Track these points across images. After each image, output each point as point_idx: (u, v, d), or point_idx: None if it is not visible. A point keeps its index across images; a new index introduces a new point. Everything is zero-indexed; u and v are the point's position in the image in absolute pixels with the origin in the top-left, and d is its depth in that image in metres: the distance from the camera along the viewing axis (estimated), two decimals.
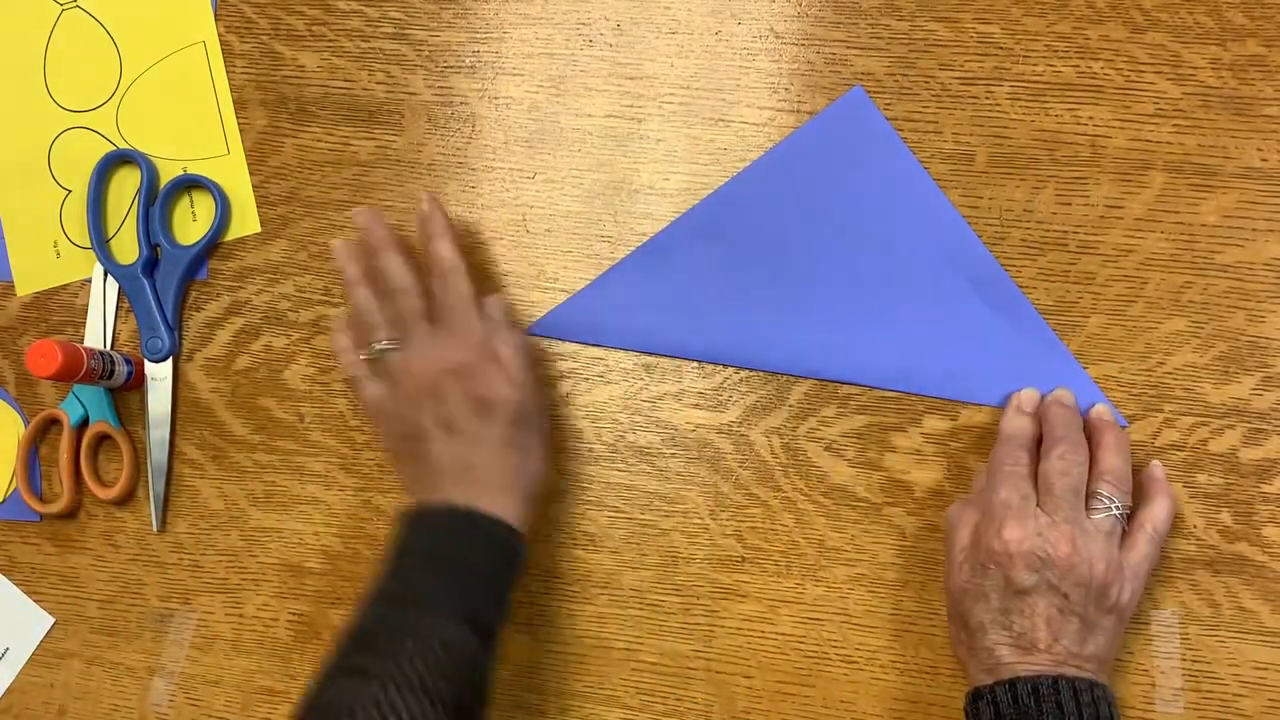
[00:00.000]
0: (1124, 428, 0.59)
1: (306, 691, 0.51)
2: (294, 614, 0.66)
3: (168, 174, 0.68)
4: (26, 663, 0.68)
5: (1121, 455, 0.56)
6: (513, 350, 0.58)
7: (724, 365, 0.63)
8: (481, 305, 0.59)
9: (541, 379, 0.63)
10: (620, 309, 0.64)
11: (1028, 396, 0.58)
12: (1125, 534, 0.54)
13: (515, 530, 0.55)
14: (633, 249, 0.64)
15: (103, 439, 0.68)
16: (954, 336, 0.60)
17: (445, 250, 0.59)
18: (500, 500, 0.55)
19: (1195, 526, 0.58)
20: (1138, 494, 0.57)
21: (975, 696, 0.52)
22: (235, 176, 0.68)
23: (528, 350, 0.60)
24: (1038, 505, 0.54)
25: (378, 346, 0.59)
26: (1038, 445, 0.57)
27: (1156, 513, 0.56)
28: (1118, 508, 0.54)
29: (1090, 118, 0.60)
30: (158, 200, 0.68)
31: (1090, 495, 0.54)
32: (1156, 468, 0.58)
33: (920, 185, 0.61)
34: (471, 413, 0.56)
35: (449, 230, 0.60)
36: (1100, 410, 0.58)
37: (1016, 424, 0.57)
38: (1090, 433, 0.57)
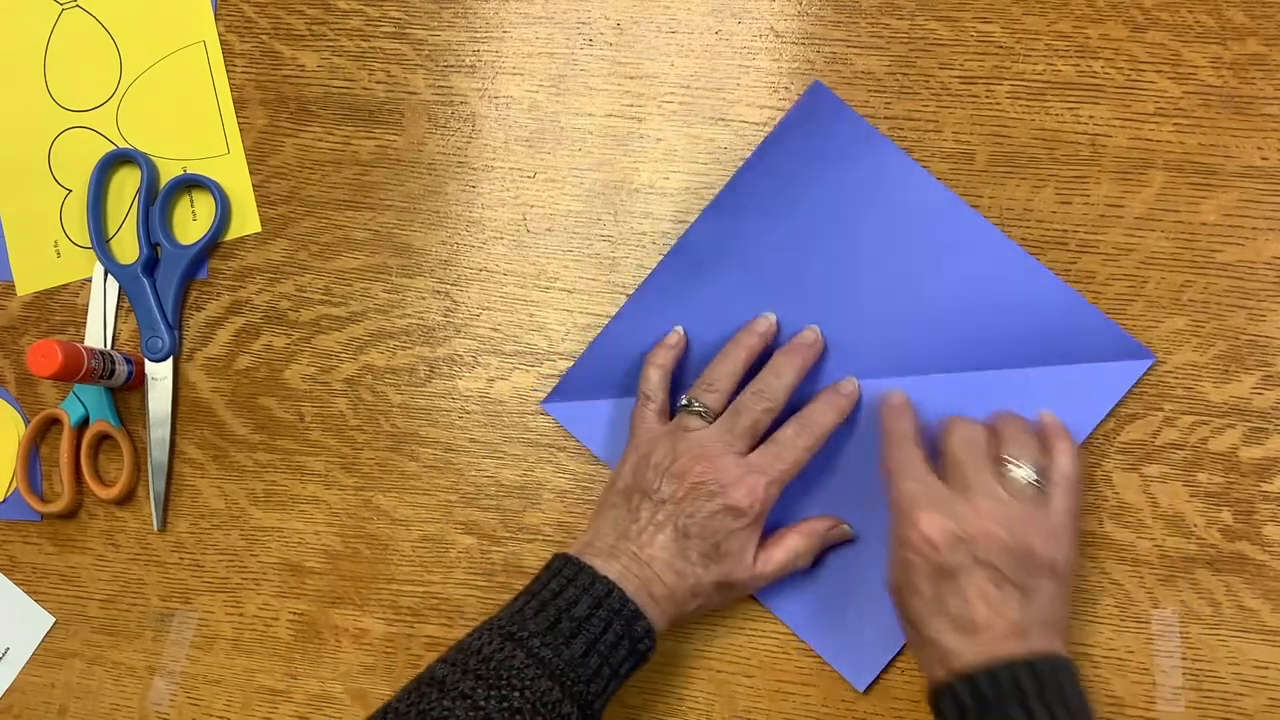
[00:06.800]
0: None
1: (399, 695, 0.52)
2: (294, 613, 0.66)
3: (168, 174, 0.69)
4: (27, 662, 0.68)
5: (1015, 418, 0.56)
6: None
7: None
8: None
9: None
10: (618, 364, 0.63)
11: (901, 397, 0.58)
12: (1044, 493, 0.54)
13: (655, 639, 0.54)
14: (633, 248, 0.64)
15: (103, 439, 0.68)
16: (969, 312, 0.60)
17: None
18: (653, 608, 0.54)
19: (1196, 525, 0.58)
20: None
21: (936, 695, 0.51)
22: (235, 176, 0.68)
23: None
24: (945, 484, 0.54)
25: (696, 405, 0.58)
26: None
27: (1060, 463, 0.54)
28: (1028, 467, 0.54)
29: (1090, 117, 0.60)
30: (158, 200, 0.68)
31: (997, 462, 0.54)
32: (1046, 415, 0.57)
33: (902, 166, 0.60)
34: (707, 527, 0.55)
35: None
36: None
37: (906, 423, 0.57)
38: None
